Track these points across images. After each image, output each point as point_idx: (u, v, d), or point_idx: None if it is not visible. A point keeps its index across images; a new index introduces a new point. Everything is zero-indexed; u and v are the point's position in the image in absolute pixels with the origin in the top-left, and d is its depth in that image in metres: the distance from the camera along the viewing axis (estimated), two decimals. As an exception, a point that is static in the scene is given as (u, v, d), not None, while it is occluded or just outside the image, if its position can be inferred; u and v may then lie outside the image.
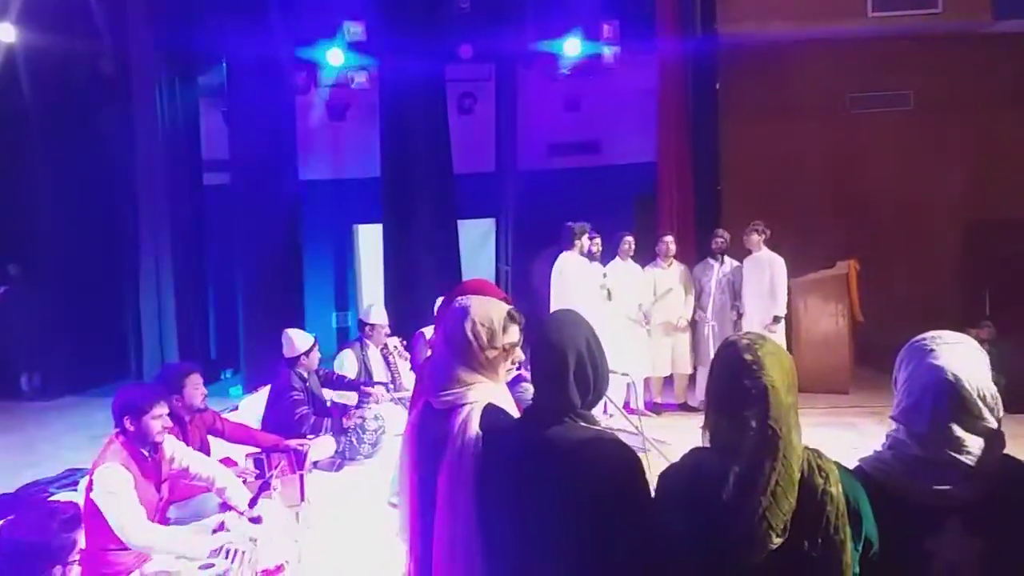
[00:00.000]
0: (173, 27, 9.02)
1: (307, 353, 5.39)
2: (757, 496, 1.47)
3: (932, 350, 1.68)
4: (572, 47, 9.24)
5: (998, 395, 1.66)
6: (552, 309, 6.62)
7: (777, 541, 1.47)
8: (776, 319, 7.04)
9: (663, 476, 1.70)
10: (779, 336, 7.10)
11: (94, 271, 9.39)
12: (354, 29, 8.98)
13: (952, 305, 9.22)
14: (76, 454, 6.11)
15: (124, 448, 3.36)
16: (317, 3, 9.47)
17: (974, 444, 1.60)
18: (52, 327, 9.19)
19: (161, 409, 3.43)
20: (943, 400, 1.62)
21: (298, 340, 5.41)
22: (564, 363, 1.81)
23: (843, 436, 6.09)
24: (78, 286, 9.23)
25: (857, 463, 1.74)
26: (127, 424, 3.35)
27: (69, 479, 5.29)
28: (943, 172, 9.43)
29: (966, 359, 1.66)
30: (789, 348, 7.35)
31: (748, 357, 1.58)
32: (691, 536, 1.55)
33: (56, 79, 9.21)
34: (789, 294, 7.23)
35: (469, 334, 2.02)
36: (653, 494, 1.70)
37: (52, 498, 4.57)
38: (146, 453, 3.43)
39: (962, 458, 1.59)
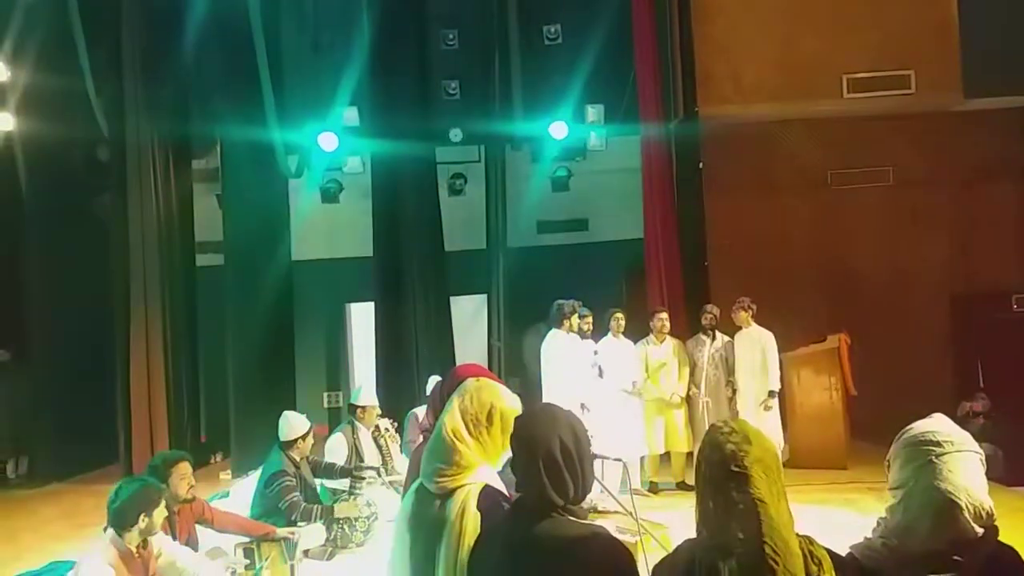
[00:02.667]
0: (169, 114, 9.25)
1: (303, 438, 5.34)
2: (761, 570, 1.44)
3: (934, 463, 1.62)
4: (558, 130, 9.52)
5: (992, 508, 1.64)
6: (544, 389, 6.65)
7: None
8: (771, 394, 7.04)
9: (656, 570, 1.67)
10: (775, 411, 7.09)
11: (85, 355, 9.33)
12: (347, 115, 9.24)
13: (944, 376, 9.28)
14: (61, 544, 5.95)
15: (112, 544, 3.32)
16: (310, 89, 9.78)
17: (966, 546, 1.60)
18: (40, 412, 9.10)
19: (186, 468, 3.63)
20: (942, 523, 1.59)
21: (294, 423, 5.38)
22: (535, 463, 1.77)
23: (842, 514, 5.99)
24: (68, 370, 9.16)
25: (849, 550, 1.72)
26: (141, 520, 3.34)
27: (54, 573, 5.14)
28: (926, 245, 9.62)
29: (969, 475, 1.61)
30: (784, 423, 7.35)
31: (735, 468, 1.54)
32: None
33: (53, 165, 9.37)
34: (781, 368, 7.25)
35: (483, 416, 2.02)
36: None
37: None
38: (134, 550, 3.38)
39: (960, 546, 1.57)
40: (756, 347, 7.11)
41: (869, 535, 1.73)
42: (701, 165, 9.25)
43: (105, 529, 3.39)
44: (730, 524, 1.52)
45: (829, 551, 1.57)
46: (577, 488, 1.78)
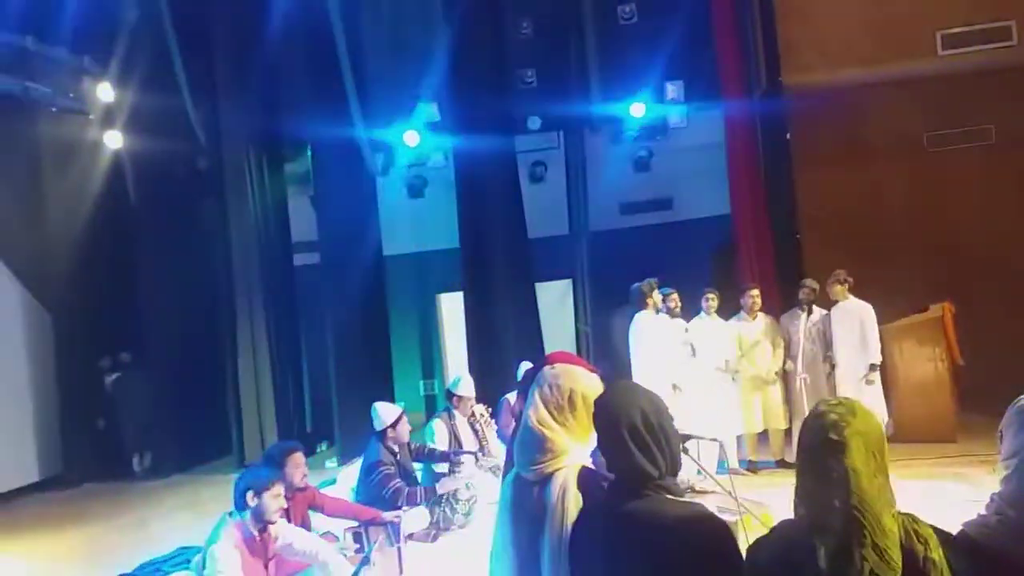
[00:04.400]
0: (260, 121, 9.69)
1: (394, 425, 5.49)
2: (857, 550, 1.44)
3: None
4: (638, 110, 9.42)
5: None
6: (634, 371, 6.65)
7: None
8: (872, 367, 6.81)
9: (752, 549, 1.67)
10: (876, 385, 6.86)
11: (197, 354, 9.95)
12: (428, 110, 9.43)
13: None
14: (186, 532, 6.37)
15: (235, 528, 3.55)
16: (392, 87, 10.01)
17: None
18: (161, 409, 9.75)
19: (278, 489, 3.64)
20: None
21: (384, 413, 5.53)
22: (620, 437, 1.79)
23: (954, 488, 5.77)
24: (183, 369, 9.79)
25: (961, 527, 1.68)
26: (249, 499, 3.55)
27: (181, 557, 5.52)
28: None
29: None
30: (887, 397, 7.09)
31: (833, 436, 1.54)
32: None
33: (157, 178, 9.99)
34: (882, 341, 6.99)
35: (564, 401, 2.05)
36: (744, 566, 1.67)
37: (167, 576, 4.80)
38: (255, 533, 3.61)
39: None
40: (854, 320, 6.88)
41: (983, 511, 1.68)
42: (788, 136, 8.97)
43: (229, 514, 3.63)
44: (824, 495, 1.52)
45: (937, 529, 1.54)
46: (666, 458, 1.79)
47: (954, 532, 1.65)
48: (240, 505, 3.58)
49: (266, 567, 3.72)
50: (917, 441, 7.16)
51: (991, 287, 8.72)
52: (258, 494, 3.55)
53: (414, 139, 9.68)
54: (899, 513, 1.52)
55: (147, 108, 9.55)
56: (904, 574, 1.44)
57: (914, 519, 1.53)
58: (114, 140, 9.80)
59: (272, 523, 3.67)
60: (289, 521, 4.22)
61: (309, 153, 10.00)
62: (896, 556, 1.45)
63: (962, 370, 7.44)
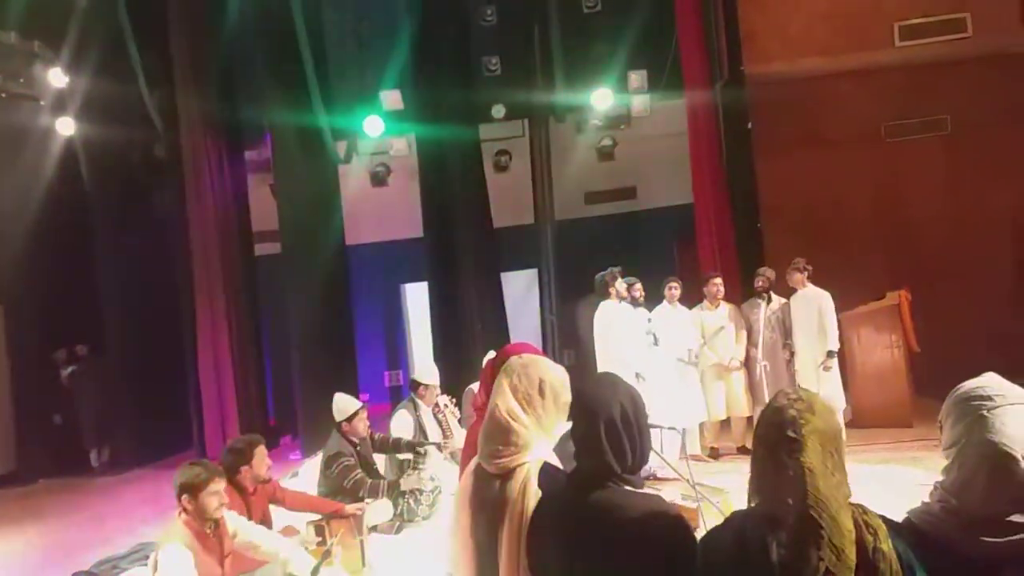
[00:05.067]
0: (218, 108, 9.49)
1: (350, 419, 5.45)
2: (812, 540, 1.44)
3: (987, 417, 1.58)
4: (602, 98, 9.43)
5: None
6: (598, 360, 6.68)
7: None
8: (830, 354, 6.92)
9: (705, 540, 1.68)
10: (835, 372, 6.97)
11: (156, 346, 9.77)
12: (390, 98, 9.33)
13: (1011, 326, 8.95)
14: (146, 527, 6.29)
15: (186, 526, 3.47)
16: (353, 75, 9.89)
17: None
18: (119, 403, 9.56)
19: (217, 485, 3.50)
20: (998, 477, 1.54)
21: (343, 405, 5.50)
22: (596, 430, 1.80)
23: (908, 472, 5.91)
24: (142, 362, 9.61)
25: (906, 515, 1.70)
26: (186, 503, 3.45)
27: (140, 554, 5.42)
28: (988, 195, 9.24)
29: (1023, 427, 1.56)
30: (845, 383, 7.22)
31: (791, 434, 1.53)
32: None
33: (112, 165, 9.75)
34: (840, 328, 7.11)
35: (534, 391, 2.04)
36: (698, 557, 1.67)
37: (123, 574, 4.70)
38: (208, 530, 3.53)
39: (1015, 518, 1.53)
40: (812, 308, 6.98)
41: (926, 499, 1.70)
42: (750, 125, 9.05)
43: (179, 513, 3.55)
44: (779, 491, 1.52)
45: (886, 519, 1.55)
46: (635, 455, 1.80)
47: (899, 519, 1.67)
48: (179, 503, 3.49)
49: (221, 564, 3.65)
50: (874, 426, 7.34)
51: (948, 274, 8.93)
52: (193, 496, 3.44)
53: (377, 127, 9.57)
54: (850, 504, 1.52)
55: (101, 94, 9.30)
56: (856, 566, 1.45)
57: (864, 510, 1.53)
58: (67, 127, 9.54)
59: (219, 519, 3.58)
60: (250, 516, 4.17)
61: (269, 140, 9.83)
62: (851, 553, 1.45)
63: (918, 356, 7.61)
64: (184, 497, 3.44)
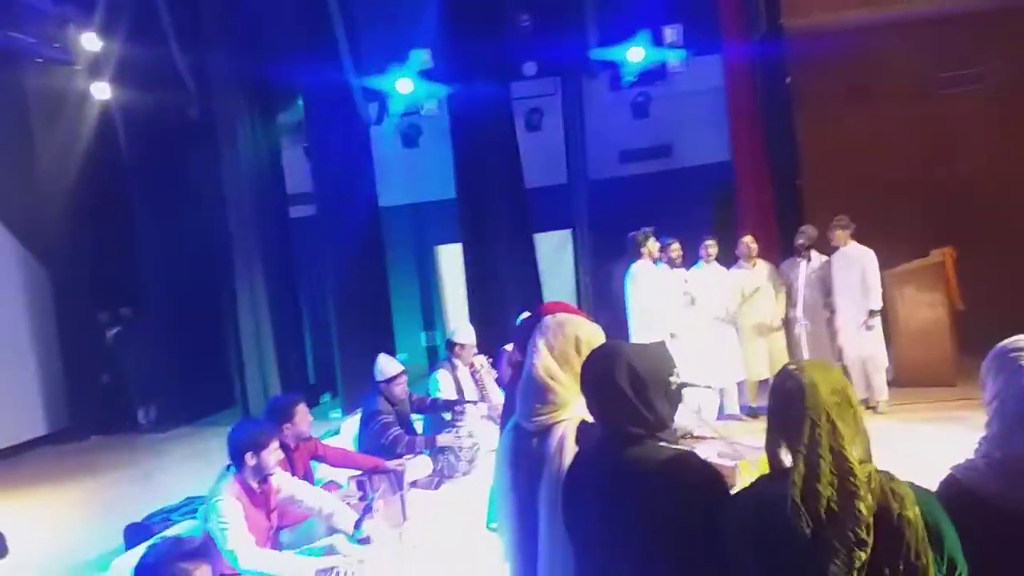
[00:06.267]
0: (251, 69, 9.49)
1: (389, 381, 5.49)
2: (816, 527, 1.43)
3: (1015, 346, 1.64)
4: (636, 55, 9.22)
5: None
6: (631, 321, 6.63)
7: (857, 560, 1.43)
8: (872, 313, 6.80)
9: (730, 503, 1.68)
10: (876, 331, 6.86)
11: (197, 307, 9.95)
12: (421, 57, 9.23)
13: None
14: (193, 483, 6.43)
15: (236, 481, 3.57)
16: (384, 34, 9.79)
17: None
18: (163, 363, 9.79)
19: (276, 444, 3.66)
20: None
21: (385, 366, 5.54)
22: (601, 400, 1.84)
23: (950, 430, 5.82)
24: (183, 323, 9.80)
25: (949, 471, 1.70)
26: (248, 459, 3.56)
27: (188, 507, 5.58)
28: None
29: None
30: (888, 342, 7.10)
31: (792, 384, 1.56)
32: (760, 565, 1.53)
33: (148, 129, 9.83)
34: (883, 286, 6.97)
35: (571, 349, 2.07)
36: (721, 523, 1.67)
37: (174, 526, 4.84)
38: (256, 485, 3.63)
39: None
40: (855, 266, 6.85)
41: (971, 455, 1.71)
42: (788, 80, 8.80)
43: (228, 468, 3.65)
44: (789, 442, 1.53)
45: (915, 486, 1.53)
46: (655, 415, 1.80)
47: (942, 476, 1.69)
48: (238, 464, 3.59)
49: (268, 518, 3.75)
50: (917, 385, 7.23)
51: (995, 232, 8.66)
52: (257, 454, 3.56)
53: (407, 87, 9.49)
54: (876, 471, 1.51)
55: (134, 57, 9.34)
56: (879, 532, 1.44)
57: (891, 477, 1.52)
58: (102, 91, 9.61)
59: (271, 475, 3.69)
60: (293, 472, 4.27)
61: (301, 102, 9.81)
62: (862, 505, 1.44)
63: (962, 315, 7.44)
64: (248, 454, 3.56)
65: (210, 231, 9.86)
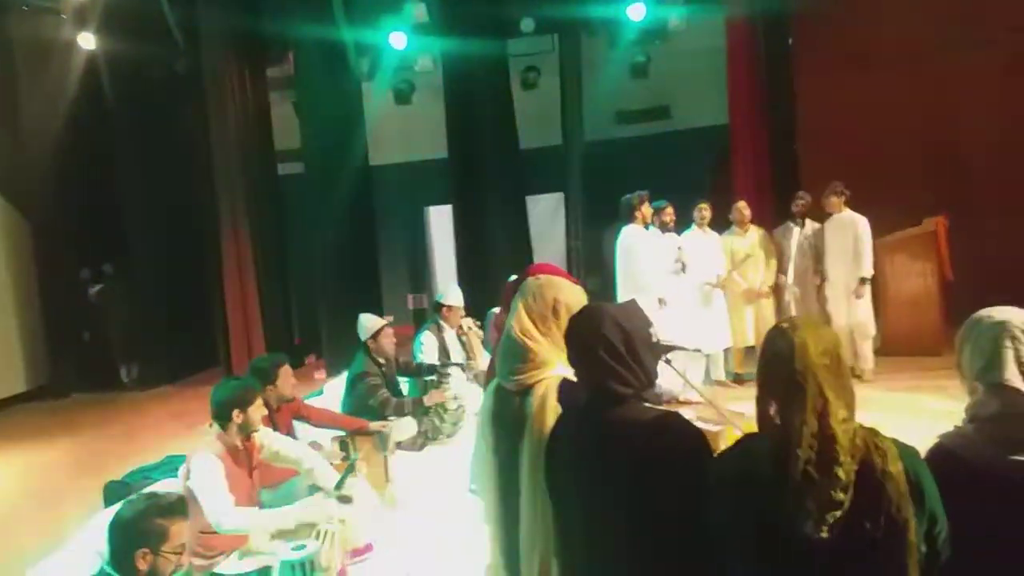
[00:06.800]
0: (241, 24, 9.25)
1: (375, 336, 5.46)
2: (794, 482, 1.45)
3: (988, 315, 1.72)
4: (636, 12, 9.01)
5: None
6: (619, 285, 6.57)
7: (831, 518, 1.45)
8: (863, 281, 6.75)
9: (715, 463, 1.69)
10: (866, 299, 6.82)
11: (181, 265, 9.83)
12: (415, 12, 9.00)
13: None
14: (174, 441, 6.42)
15: (218, 439, 3.54)
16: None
17: None
18: (147, 320, 9.70)
19: (260, 400, 3.65)
20: (1012, 343, 1.66)
21: (367, 323, 5.52)
22: (586, 363, 1.82)
23: (935, 399, 5.82)
24: (168, 280, 9.69)
25: (937, 439, 1.72)
26: (236, 416, 3.53)
27: (169, 466, 5.54)
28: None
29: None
30: (876, 311, 7.07)
31: (782, 341, 1.57)
32: (747, 521, 1.54)
33: (134, 82, 9.60)
34: (875, 255, 6.92)
35: (548, 311, 2.05)
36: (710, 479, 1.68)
37: (154, 485, 4.81)
38: (239, 443, 3.59)
39: None
40: (847, 233, 6.78)
41: (959, 424, 1.75)
42: (790, 42, 8.62)
43: (211, 426, 3.60)
44: (775, 398, 1.54)
45: (898, 443, 1.54)
46: (638, 377, 1.80)
47: (929, 443, 1.73)
48: (224, 421, 3.55)
49: (251, 475, 3.71)
50: (904, 354, 7.23)
51: (991, 201, 8.57)
52: (244, 411, 3.55)
53: (401, 41, 9.27)
54: (861, 427, 1.52)
55: (121, 8, 9.07)
56: (862, 486, 1.46)
57: (875, 433, 1.53)
58: (87, 41, 9.37)
59: (256, 431, 3.66)
60: (276, 431, 4.22)
61: (291, 57, 9.59)
62: (842, 455, 1.45)
63: (951, 285, 7.41)
64: (235, 411, 3.54)
65: (196, 187, 9.70)
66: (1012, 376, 1.64)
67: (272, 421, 4.34)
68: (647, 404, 1.80)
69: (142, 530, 2.44)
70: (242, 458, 3.64)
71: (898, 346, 7.40)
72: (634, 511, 1.71)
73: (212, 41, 9.19)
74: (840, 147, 8.69)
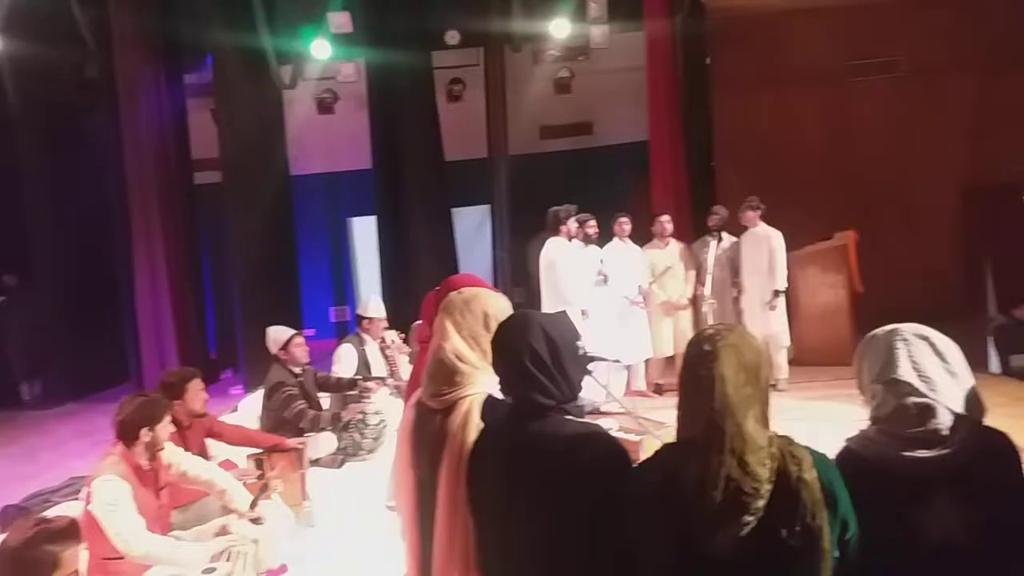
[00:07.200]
0: (157, 28, 8.94)
1: (285, 346, 5.34)
2: (712, 492, 1.46)
3: (881, 329, 1.83)
4: (560, 29, 9.13)
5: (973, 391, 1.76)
6: (543, 297, 6.62)
7: (745, 528, 1.47)
8: (776, 293, 6.99)
9: (633, 474, 1.69)
10: (780, 311, 7.05)
11: (90, 276, 9.39)
12: (338, 20, 8.89)
13: (952, 272, 9.17)
14: (79, 461, 6.09)
15: (123, 459, 3.37)
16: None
17: (946, 394, 1.70)
18: (51, 335, 9.21)
19: (169, 417, 3.51)
20: (905, 347, 1.75)
21: (275, 335, 5.45)
22: (509, 370, 1.81)
23: (846, 407, 6.03)
24: (75, 293, 9.23)
25: (845, 443, 1.77)
26: (143, 435, 3.37)
27: (72, 487, 5.27)
28: (940, 137, 9.30)
29: (925, 359, 1.74)
30: (790, 322, 7.32)
31: (706, 347, 1.58)
32: (663, 533, 1.55)
33: (43, 86, 9.14)
34: (788, 268, 7.17)
35: (479, 327, 2.02)
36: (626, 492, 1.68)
37: (55, 508, 4.56)
38: (145, 463, 3.43)
39: (937, 422, 1.67)
40: (763, 246, 7.01)
41: (863, 428, 1.81)
42: (708, 61, 8.89)
43: (115, 445, 3.43)
44: (696, 407, 1.55)
45: (813, 451, 1.57)
46: (561, 389, 1.79)
47: (838, 449, 1.77)
48: (130, 439, 3.39)
49: (158, 496, 3.55)
50: (817, 364, 7.49)
51: (896, 216, 9.05)
52: (152, 428, 3.39)
53: (324, 50, 9.13)
54: (776, 436, 1.55)
55: (27, 8, 8.63)
56: (777, 493, 1.47)
57: (790, 441, 1.56)
58: (-8, 43, 8.88)
59: (162, 450, 3.50)
60: (186, 450, 4.06)
61: (209, 62, 9.32)
62: (757, 467, 1.47)
63: (861, 297, 7.74)
64: (144, 429, 3.37)
65: (107, 196, 9.29)
66: (905, 372, 1.71)
67: (183, 439, 4.17)
68: (569, 417, 1.79)
69: (30, 558, 2.28)
70: (149, 478, 3.48)
71: (811, 356, 7.68)
72: (552, 525, 1.70)
73: (125, 44, 8.84)
74: (755, 163, 9.02)
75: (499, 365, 1.87)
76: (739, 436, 1.49)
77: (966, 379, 1.74)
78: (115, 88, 8.93)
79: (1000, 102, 9.26)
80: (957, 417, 1.68)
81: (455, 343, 2.01)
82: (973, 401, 1.73)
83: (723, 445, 1.48)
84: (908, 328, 1.79)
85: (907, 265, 8.71)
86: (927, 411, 1.67)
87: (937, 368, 1.72)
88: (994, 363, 7.21)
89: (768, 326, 6.96)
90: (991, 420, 1.76)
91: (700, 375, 1.55)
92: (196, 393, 4.33)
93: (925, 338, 1.76)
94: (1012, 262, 8.56)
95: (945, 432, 1.65)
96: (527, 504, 1.73)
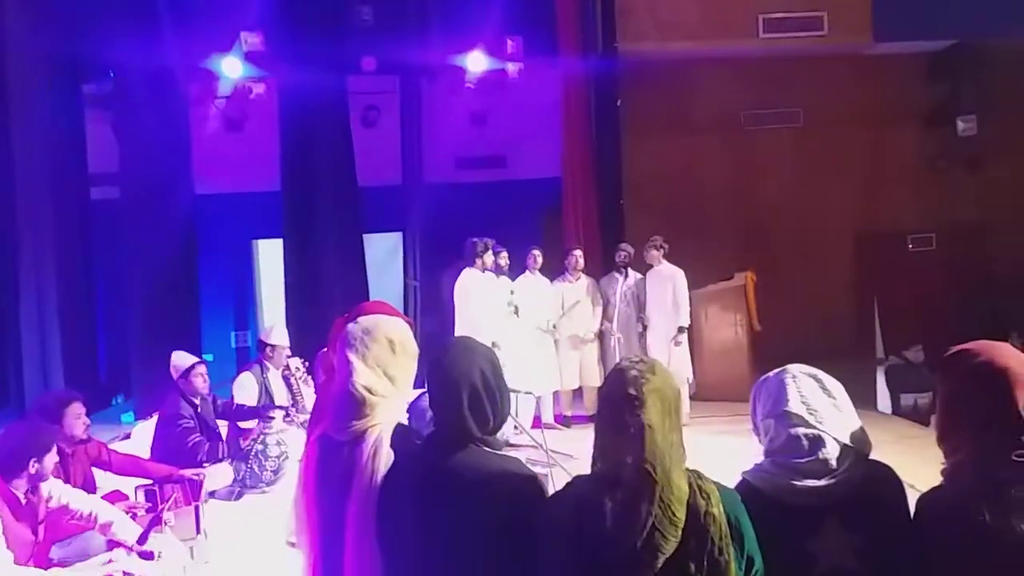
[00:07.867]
0: (54, 33, 8.51)
1: (187, 375, 5.15)
2: (634, 537, 1.48)
3: (772, 371, 1.92)
4: (476, 62, 9.25)
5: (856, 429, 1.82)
6: (456, 326, 6.62)
7: (661, 559, 1.49)
8: (680, 330, 7.22)
9: (545, 506, 1.70)
10: (684, 346, 7.28)
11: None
12: (251, 39, 8.71)
13: (844, 313, 9.71)
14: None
15: (-8, 490, 3.13)
16: (212, 11, 9.15)
17: (833, 427, 1.77)
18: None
19: (54, 448, 3.33)
20: (794, 383, 1.83)
21: (178, 361, 5.25)
22: (458, 395, 1.79)
23: (744, 442, 6.23)
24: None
25: (741, 476, 1.82)
26: (31, 466, 3.17)
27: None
28: (833, 186, 9.93)
29: (812, 395, 1.83)
30: (692, 358, 7.56)
31: (632, 392, 1.59)
32: (574, 564, 1.55)
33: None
34: (691, 305, 7.43)
35: (386, 355, 1.97)
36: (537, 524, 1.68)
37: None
38: (20, 495, 3.20)
39: (826, 451, 1.73)
40: (667, 284, 7.25)
41: (758, 461, 1.86)
42: (619, 103, 9.18)
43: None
44: (619, 450, 1.55)
45: (720, 485, 1.62)
46: (495, 419, 1.81)
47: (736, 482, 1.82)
48: (10, 470, 3.15)
49: (35, 531, 3.31)
50: (716, 399, 7.74)
51: (793, 259, 9.55)
52: (40, 459, 3.18)
53: (235, 68, 8.91)
54: (687, 469, 1.59)
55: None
56: (687, 528, 1.50)
57: (699, 475, 1.60)
58: None
59: (44, 481, 3.27)
60: (68, 480, 3.83)
61: (112, 73, 8.94)
62: (680, 512, 1.50)
63: (759, 335, 8.09)
64: (32, 460, 3.17)
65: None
66: (795, 405, 1.79)
67: (64, 468, 3.92)
68: (488, 449, 1.79)
69: None
70: (24, 512, 3.25)
71: (711, 391, 7.96)
72: (468, 558, 1.68)
73: (20, 50, 8.37)
74: (661, 203, 9.35)
75: (441, 391, 1.84)
76: (668, 487, 1.51)
77: (852, 416, 1.84)
78: (6, 94, 8.43)
79: (891, 156, 9.97)
80: (844, 448, 1.74)
81: (363, 376, 1.95)
82: (860, 438, 1.81)
83: (653, 496, 1.49)
84: (797, 367, 1.89)
85: (802, 306, 9.18)
86: (816, 441, 1.74)
87: (825, 402, 1.80)
88: (883, 401, 7.65)
89: (672, 361, 7.16)
90: (877, 456, 1.84)
91: (625, 420, 1.56)
92: (74, 417, 4.06)
93: (813, 376, 1.85)
94: (898, 306, 9.16)
95: (833, 463, 1.71)
96: (442, 538, 1.71)
